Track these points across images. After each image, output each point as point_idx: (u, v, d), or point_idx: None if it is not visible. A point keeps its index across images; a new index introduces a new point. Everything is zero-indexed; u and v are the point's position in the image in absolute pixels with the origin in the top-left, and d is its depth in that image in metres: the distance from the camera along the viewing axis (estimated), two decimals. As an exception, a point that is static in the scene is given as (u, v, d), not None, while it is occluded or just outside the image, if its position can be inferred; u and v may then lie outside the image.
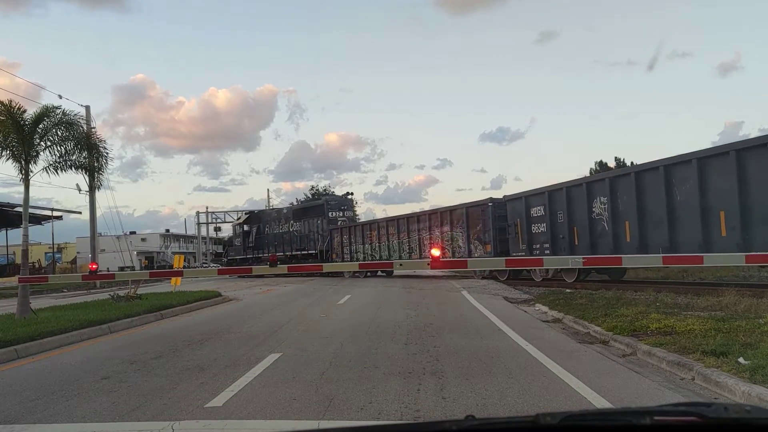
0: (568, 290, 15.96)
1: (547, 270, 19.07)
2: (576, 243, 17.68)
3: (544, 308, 12.20)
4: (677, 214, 14.16)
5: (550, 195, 18.99)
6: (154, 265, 65.91)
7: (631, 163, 44.55)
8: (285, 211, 41.19)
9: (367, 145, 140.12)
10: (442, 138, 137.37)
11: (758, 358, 5.65)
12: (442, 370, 6.37)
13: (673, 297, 12.39)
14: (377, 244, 30.32)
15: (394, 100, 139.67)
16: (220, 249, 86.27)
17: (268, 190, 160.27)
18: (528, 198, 20.32)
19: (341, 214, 35.99)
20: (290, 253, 36.96)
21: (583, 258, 10.05)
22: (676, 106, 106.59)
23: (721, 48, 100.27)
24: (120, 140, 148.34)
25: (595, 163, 51.37)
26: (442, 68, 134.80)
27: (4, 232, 44.36)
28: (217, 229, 67.30)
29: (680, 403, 1.34)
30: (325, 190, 66.29)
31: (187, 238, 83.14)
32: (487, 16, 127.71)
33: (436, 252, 9.54)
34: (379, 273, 30.77)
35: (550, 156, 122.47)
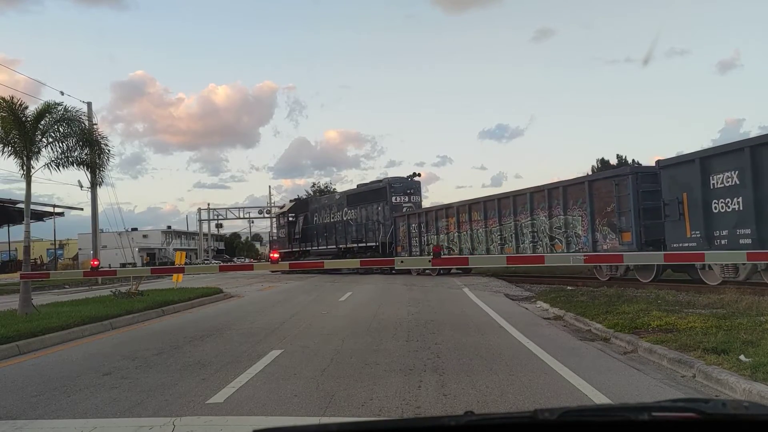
0: (569, 287, 15.96)
1: (736, 267, 13.07)
2: None
3: (546, 305, 12.21)
4: None
5: (753, 152, 12.20)
6: (156, 261, 66.12)
7: (633, 161, 44.34)
8: (338, 196, 35.14)
9: (367, 142, 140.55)
10: (441, 135, 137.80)
11: (759, 356, 5.64)
12: (443, 366, 6.38)
13: (674, 294, 12.38)
14: (456, 234, 24.18)
15: (393, 97, 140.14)
16: (221, 246, 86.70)
17: (269, 186, 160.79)
18: (706, 161, 13.49)
19: (407, 199, 29.86)
20: (344, 246, 31.65)
21: (584, 255, 10.08)
22: (676, 103, 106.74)
23: (720, 46, 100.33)
24: (119, 137, 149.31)
25: (597, 160, 51.49)
26: (441, 66, 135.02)
27: (5, 228, 44.42)
28: (219, 226, 67.47)
29: (678, 399, 1.34)
30: (326, 186, 66.15)
31: (189, 235, 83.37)
32: (483, 14, 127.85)
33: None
34: (453, 270, 25.33)
35: (551, 153, 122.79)
